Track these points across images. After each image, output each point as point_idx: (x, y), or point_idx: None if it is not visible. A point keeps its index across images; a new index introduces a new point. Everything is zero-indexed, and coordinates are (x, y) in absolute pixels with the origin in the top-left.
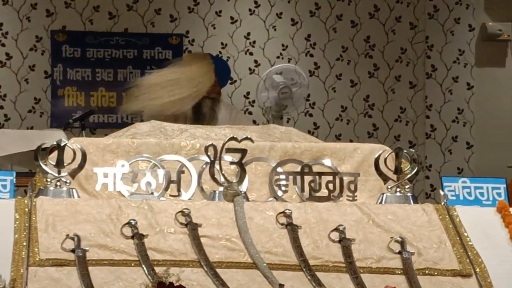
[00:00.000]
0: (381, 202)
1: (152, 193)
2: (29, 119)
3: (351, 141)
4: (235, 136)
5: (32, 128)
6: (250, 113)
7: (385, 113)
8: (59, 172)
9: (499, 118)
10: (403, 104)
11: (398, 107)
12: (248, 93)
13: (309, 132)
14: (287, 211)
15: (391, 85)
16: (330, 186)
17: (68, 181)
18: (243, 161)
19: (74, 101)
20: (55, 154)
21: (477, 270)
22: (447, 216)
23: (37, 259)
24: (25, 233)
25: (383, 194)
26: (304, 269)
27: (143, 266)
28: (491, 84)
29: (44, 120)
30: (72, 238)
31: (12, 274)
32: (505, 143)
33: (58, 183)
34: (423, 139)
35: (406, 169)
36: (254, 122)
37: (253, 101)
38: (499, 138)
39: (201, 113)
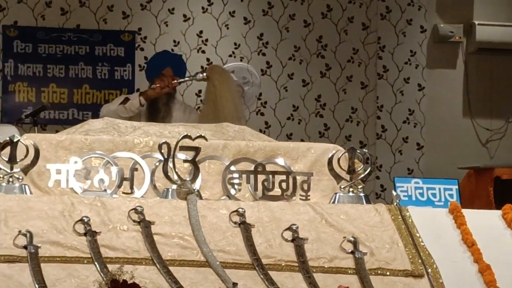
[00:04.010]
0: (334, 202)
1: (105, 190)
2: None
3: (302, 140)
4: (188, 134)
5: None
6: None
7: (336, 113)
8: (11, 168)
9: (450, 119)
10: (355, 104)
11: (349, 107)
12: (200, 91)
13: (260, 131)
14: (240, 209)
15: (343, 85)
16: (283, 185)
17: (20, 177)
18: (197, 159)
19: (25, 97)
20: (7, 149)
21: (429, 270)
22: (400, 217)
23: None
24: None
25: (336, 194)
26: (257, 268)
27: (96, 263)
28: (442, 85)
29: None
30: (25, 235)
31: None
32: (455, 145)
33: (11, 179)
34: (373, 140)
35: (358, 169)
36: None
37: None
38: (449, 139)
39: (156, 108)
